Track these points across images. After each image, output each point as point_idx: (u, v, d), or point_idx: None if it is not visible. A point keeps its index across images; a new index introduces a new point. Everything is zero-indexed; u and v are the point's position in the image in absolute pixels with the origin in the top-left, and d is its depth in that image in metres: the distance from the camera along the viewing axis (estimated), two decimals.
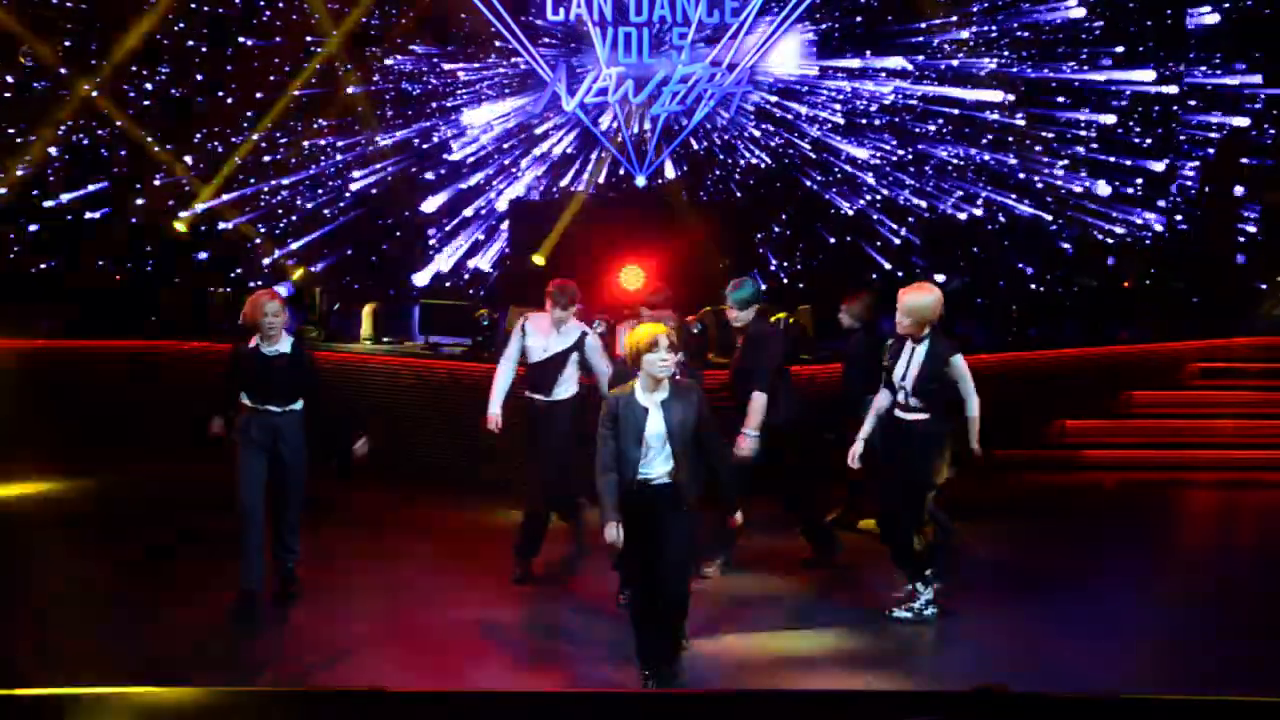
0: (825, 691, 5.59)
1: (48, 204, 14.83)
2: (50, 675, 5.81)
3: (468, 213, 16.08)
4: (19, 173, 14.63)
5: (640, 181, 15.75)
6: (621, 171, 15.91)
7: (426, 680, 5.92)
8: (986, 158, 15.86)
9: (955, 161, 15.90)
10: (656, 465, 5.58)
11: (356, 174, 16.00)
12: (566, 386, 7.45)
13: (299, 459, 6.87)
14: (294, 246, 15.73)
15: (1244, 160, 14.97)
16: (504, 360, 7.58)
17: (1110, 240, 15.68)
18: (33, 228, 14.83)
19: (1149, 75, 15.25)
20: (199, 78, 15.44)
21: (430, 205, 15.91)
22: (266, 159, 15.85)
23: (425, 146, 16.12)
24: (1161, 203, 15.59)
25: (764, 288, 9.95)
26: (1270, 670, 6.09)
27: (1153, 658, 6.33)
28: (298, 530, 7.03)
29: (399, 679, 5.84)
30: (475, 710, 4.13)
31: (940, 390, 6.53)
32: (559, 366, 7.38)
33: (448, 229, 16.10)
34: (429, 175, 16.11)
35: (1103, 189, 15.61)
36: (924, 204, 15.87)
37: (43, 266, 14.71)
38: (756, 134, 16.01)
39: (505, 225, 15.94)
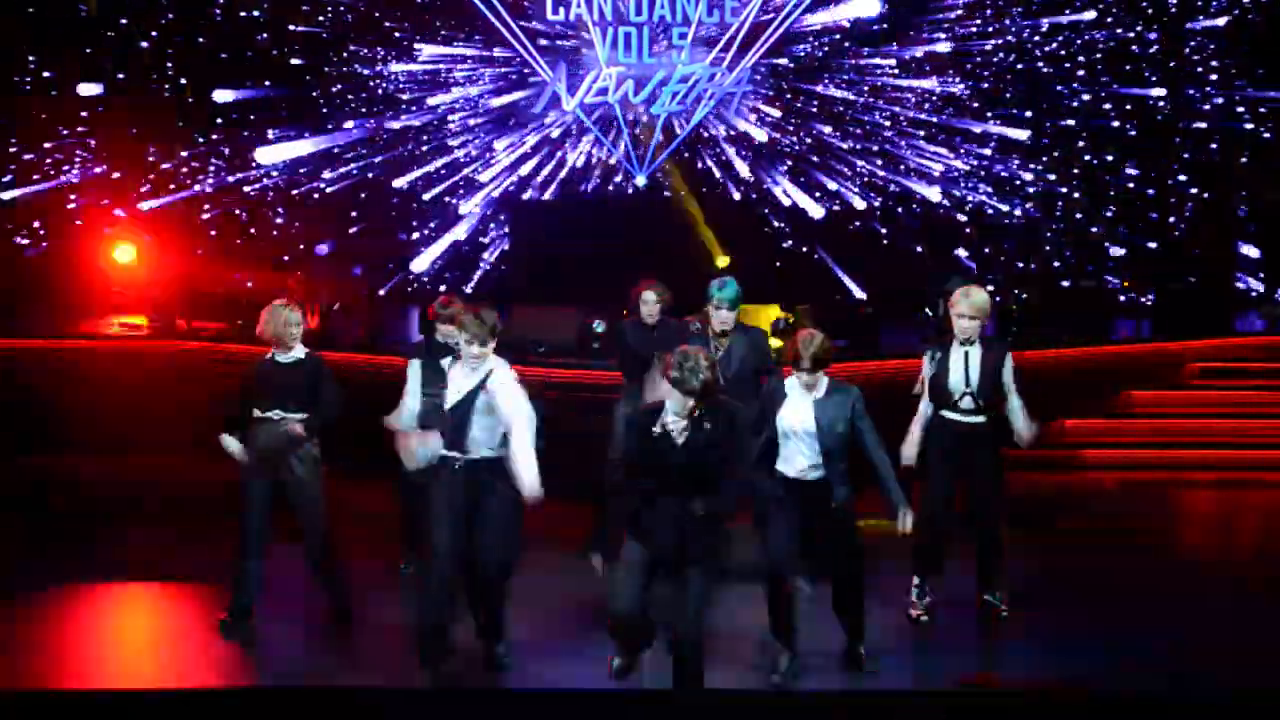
0: (825, 691, 5.59)
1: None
2: (50, 674, 5.81)
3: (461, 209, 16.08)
4: None
5: (640, 181, 15.76)
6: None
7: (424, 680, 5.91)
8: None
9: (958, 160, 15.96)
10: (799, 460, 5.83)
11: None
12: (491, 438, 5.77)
13: (311, 471, 6.49)
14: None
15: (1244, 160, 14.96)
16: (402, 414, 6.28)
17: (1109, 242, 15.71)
18: None
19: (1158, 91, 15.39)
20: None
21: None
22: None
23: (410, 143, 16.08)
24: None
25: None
26: (1269, 669, 6.09)
27: (1151, 656, 6.34)
28: (323, 549, 6.56)
29: (399, 678, 5.84)
30: (475, 709, 4.14)
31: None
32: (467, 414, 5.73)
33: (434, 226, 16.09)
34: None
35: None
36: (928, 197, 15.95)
37: None
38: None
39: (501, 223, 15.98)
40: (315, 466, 6.52)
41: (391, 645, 6.34)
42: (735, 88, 15.75)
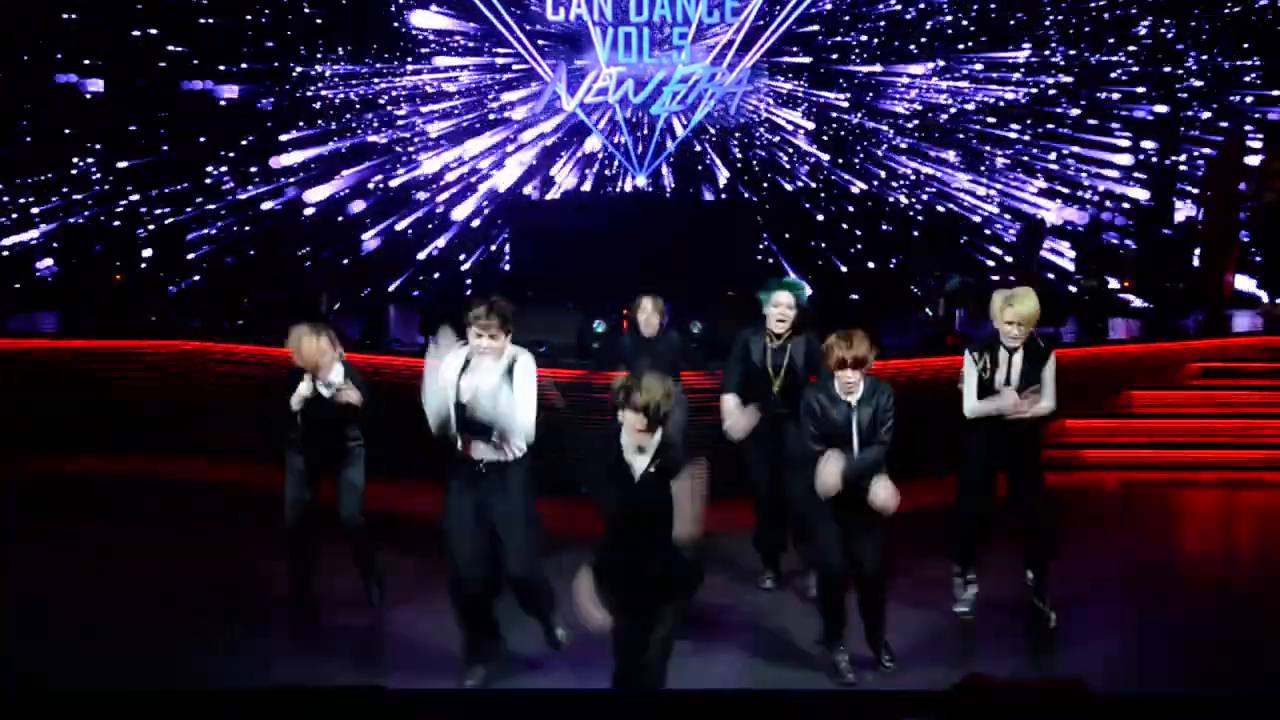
0: (825, 691, 5.60)
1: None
2: (52, 674, 5.81)
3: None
4: None
5: (640, 181, 15.77)
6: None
7: (426, 679, 5.92)
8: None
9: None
10: None
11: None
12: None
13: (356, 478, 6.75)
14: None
15: (1246, 160, 14.94)
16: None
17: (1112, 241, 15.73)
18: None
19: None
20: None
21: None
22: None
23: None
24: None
25: None
26: (1269, 669, 6.10)
27: (1151, 656, 6.34)
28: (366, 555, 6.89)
29: (399, 678, 5.84)
30: (475, 709, 4.14)
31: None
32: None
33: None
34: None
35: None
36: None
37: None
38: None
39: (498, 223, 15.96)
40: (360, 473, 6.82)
41: (396, 646, 6.35)
42: (735, 87, 15.75)
